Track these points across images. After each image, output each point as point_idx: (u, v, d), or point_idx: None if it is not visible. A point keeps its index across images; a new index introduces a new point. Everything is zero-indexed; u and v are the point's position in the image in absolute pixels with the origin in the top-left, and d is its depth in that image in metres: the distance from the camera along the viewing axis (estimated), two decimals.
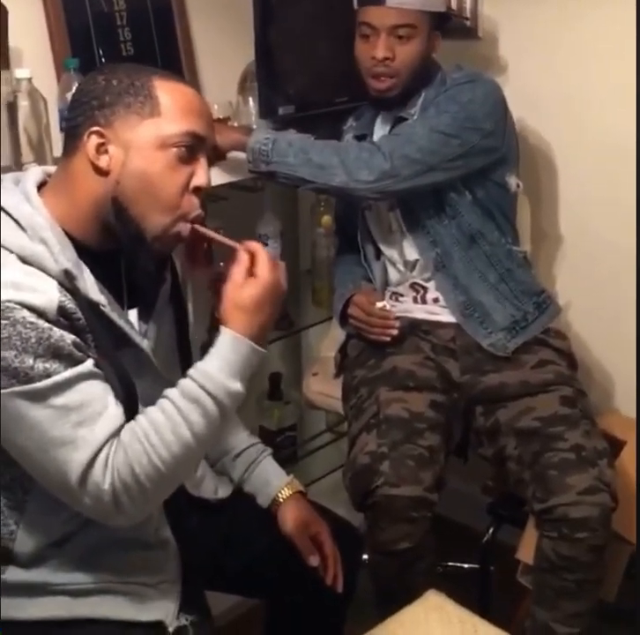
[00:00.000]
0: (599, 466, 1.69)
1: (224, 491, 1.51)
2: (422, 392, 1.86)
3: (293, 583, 1.51)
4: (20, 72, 1.61)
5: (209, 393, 1.19)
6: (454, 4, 2.18)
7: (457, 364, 1.91)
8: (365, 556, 1.76)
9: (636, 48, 1.85)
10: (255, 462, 1.57)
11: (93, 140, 1.22)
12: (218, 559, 1.48)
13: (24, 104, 1.60)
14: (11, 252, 1.17)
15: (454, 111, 1.82)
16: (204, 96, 2.12)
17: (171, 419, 1.18)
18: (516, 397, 1.83)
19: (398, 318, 1.94)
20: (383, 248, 2.02)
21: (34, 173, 1.29)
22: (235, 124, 2.05)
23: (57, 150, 1.70)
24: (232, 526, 1.50)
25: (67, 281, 1.18)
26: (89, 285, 1.21)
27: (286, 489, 1.55)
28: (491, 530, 2.02)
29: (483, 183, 1.91)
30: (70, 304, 1.17)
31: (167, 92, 1.24)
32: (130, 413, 1.21)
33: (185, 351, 1.44)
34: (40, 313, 1.13)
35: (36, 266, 1.17)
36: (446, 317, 1.96)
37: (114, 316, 1.23)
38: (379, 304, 1.95)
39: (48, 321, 1.13)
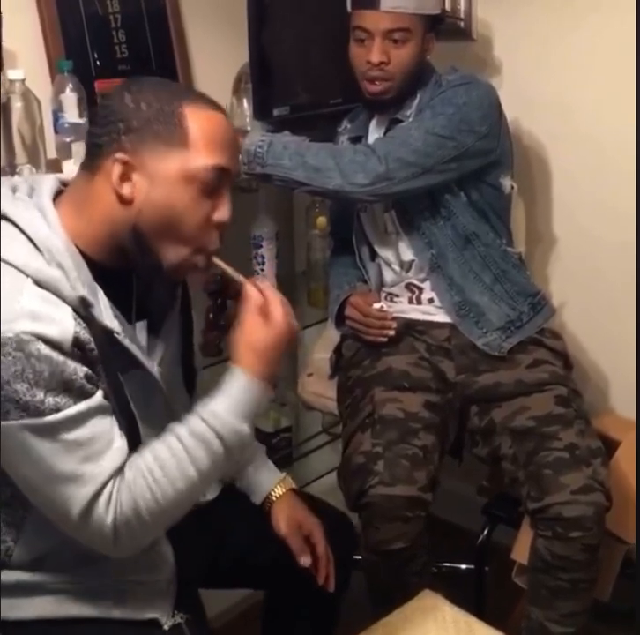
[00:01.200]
0: (594, 466, 1.69)
1: (212, 492, 1.51)
2: (417, 392, 1.86)
3: (286, 575, 1.51)
4: (14, 74, 1.61)
5: (217, 433, 1.20)
6: (448, 6, 2.19)
7: (452, 364, 1.91)
8: (359, 557, 1.76)
9: (636, 50, 1.85)
10: (247, 460, 1.55)
11: (118, 168, 1.19)
12: (210, 557, 1.48)
13: (17, 105, 1.60)
14: (27, 276, 1.14)
15: (449, 113, 1.82)
16: None
17: (176, 456, 1.19)
18: (510, 396, 1.84)
19: (394, 319, 1.94)
20: (378, 249, 2.02)
21: (49, 184, 1.25)
22: None
23: (51, 152, 1.71)
24: (222, 523, 1.49)
25: (82, 309, 1.17)
26: (104, 311, 1.19)
27: (278, 487, 1.55)
28: (486, 530, 2.03)
29: (478, 184, 1.91)
30: (84, 334, 1.16)
31: (196, 121, 1.20)
32: (133, 443, 1.21)
33: (189, 363, 1.43)
34: (55, 345, 1.12)
35: (52, 291, 1.15)
36: (441, 317, 1.96)
37: (126, 342, 1.22)
38: (376, 305, 1.95)
39: (63, 353, 1.12)
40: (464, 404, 1.90)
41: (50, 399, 1.11)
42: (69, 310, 1.15)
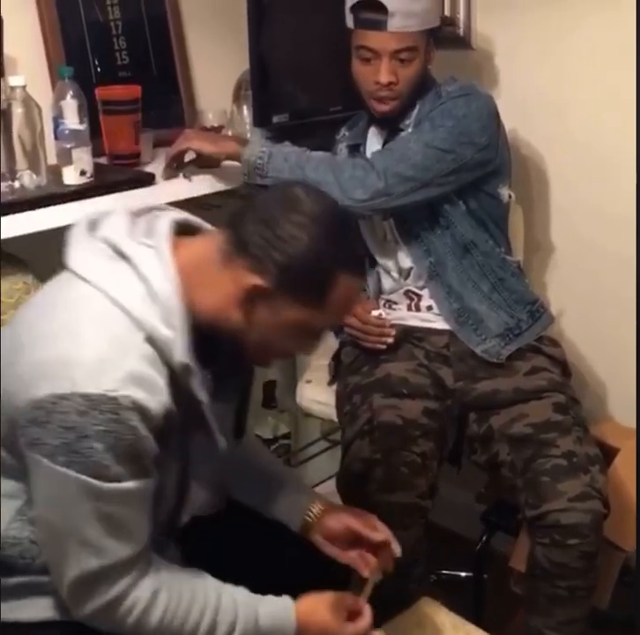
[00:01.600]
0: (591, 473, 1.69)
1: (217, 505, 1.49)
2: (416, 399, 1.86)
3: (289, 579, 1.49)
4: (15, 80, 1.61)
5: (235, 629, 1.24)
6: (448, 13, 2.19)
7: (450, 371, 1.91)
8: None
9: (636, 59, 1.86)
10: (273, 488, 1.51)
11: (250, 289, 1.18)
12: (217, 571, 1.47)
13: (18, 112, 1.60)
14: (142, 329, 1.14)
15: (449, 126, 1.82)
16: (199, 105, 2.19)
17: (191, 615, 1.22)
18: (509, 404, 1.84)
19: (392, 326, 1.94)
20: (376, 256, 2.03)
21: (167, 227, 1.22)
22: (230, 133, 2.06)
23: (51, 158, 1.71)
24: (227, 536, 1.48)
25: (183, 376, 1.17)
26: (197, 381, 1.19)
27: (313, 506, 1.47)
28: (484, 538, 2.03)
29: (476, 194, 1.92)
30: (171, 406, 1.16)
31: (341, 291, 1.20)
32: (180, 499, 1.26)
33: (243, 416, 1.44)
34: (147, 418, 1.12)
35: (160, 353, 1.14)
36: (440, 324, 1.96)
37: (208, 413, 1.22)
38: (374, 313, 1.95)
39: (150, 428, 1.13)
40: (462, 411, 1.90)
41: (116, 469, 1.12)
42: (166, 374, 1.15)
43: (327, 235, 1.19)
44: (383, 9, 1.77)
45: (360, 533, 1.43)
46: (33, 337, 1.15)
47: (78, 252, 1.22)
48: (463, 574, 2.21)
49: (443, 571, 2.25)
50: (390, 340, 1.93)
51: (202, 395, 1.20)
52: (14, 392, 1.14)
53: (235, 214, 1.23)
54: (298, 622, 1.29)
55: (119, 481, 1.12)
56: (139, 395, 1.11)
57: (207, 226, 1.34)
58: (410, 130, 1.90)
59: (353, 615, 1.36)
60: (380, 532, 1.44)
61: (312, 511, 1.46)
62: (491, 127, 1.87)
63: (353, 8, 1.83)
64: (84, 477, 1.11)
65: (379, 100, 1.87)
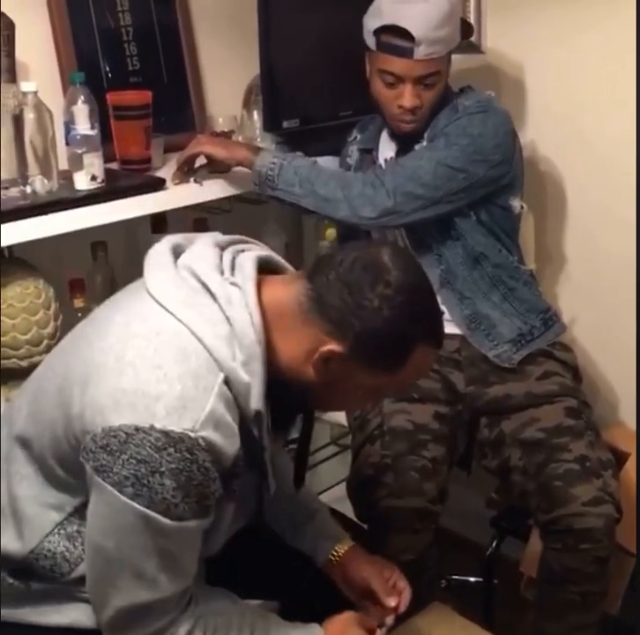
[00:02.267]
0: (604, 478, 1.69)
1: None
2: (426, 403, 1.86)
3: (301, 586, 1.50)
4: (26, 85, 1.61)
5: None
6: None
7: (462, 375, 1.91)
8: None
9: (636, 64, 1.85)
10: (309, 519, 1.51)
11: (327, 356, 1.17)
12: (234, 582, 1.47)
13: (30, 117, 1.61)
14: (222, 371, 1.13)
15: (463, 144, 1.81)
16: (209, 110, 2.20)
17: None
18: (520, 408, 1.83)
19: None
20: None
21: (253, 268, 1.20)
22: (240, 138, 2.07)
23: (63, 163, 1.72)
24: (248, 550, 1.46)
25: (253, 423, 1.16)
26: (265, 429, 1.18)
27: (342, 544, 1.49)
28: (494, 543, 2.02)
29: (488, 206, 1.91)
30: (240, 451, 1.15)
31: (417, 361, 1.19)
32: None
33: (303, 463, 1.44)
34: (218, 461, 1.12)
35: (234, 395, 1.14)
36: (451, 328, 1.95)
37: (267, 458, 1.22)
38: None
39: (220, 471, 1.13)
40: (473, 415, 1.90)
41: (182, 507, 1.11)
42: (238, 418, 1.15)
43: (411, 308, 1.16)
44: (409, 36, 1.76)
45: (377, 596, 1.44)
46: (114, 364, 1.12)
47: (162, 279, 1.19)
48: (473, 579, 2.21)
49: (454, 577, 2.25)
50: None
51: (267, 442, 1.20)
52: (84, 413, 1.13)
53: (320, 264, 1.20)
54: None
55: (181, 519, 1.12)
56: (216, 437, 1.10)
57: (288, 266, 1.32)
58: (424, 143, 1.90)
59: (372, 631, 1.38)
60: (394, 598, 1.45)
61: (337, 553, 1.47)
62: (506, 144, 1.86)
63: (376, 31, 1.81)
64: (149, 512, 1.10)
65: (403, 122, 1.87)
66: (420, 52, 1.77)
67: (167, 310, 1.15)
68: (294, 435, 2.36)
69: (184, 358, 1.11)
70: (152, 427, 1.08)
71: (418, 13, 1.75)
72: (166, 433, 1.08)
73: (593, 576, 1.68)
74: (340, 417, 2.03)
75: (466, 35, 1.96)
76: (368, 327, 1.15)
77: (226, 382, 1.13)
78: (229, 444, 1.13)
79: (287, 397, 1.22)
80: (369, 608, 1.44)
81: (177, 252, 1.23)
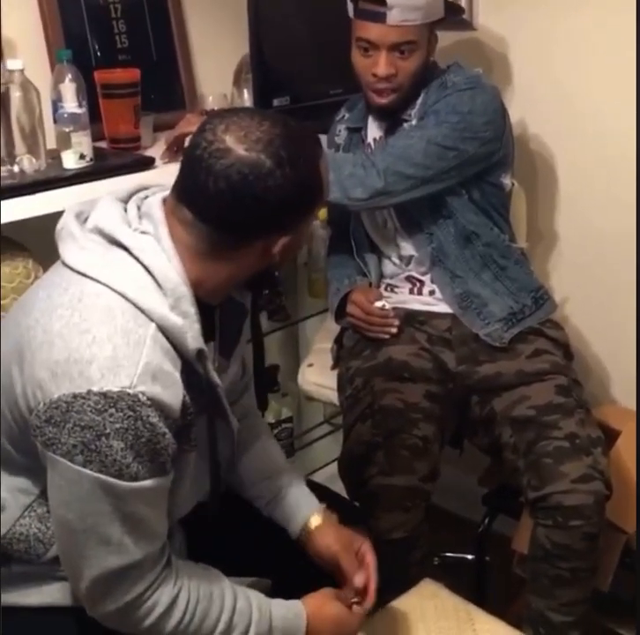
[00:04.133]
0: (594, 455, 1.69)
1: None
2: (417, 382, 1.85)
3: (292, 564, 1.48)
4: (12, 63, 1.60)
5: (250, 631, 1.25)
6: None
7: (452, 354, 1.91)
8: None
9: (636, 44, 1.84)
10: (284, 490, 1.48)
11: (278, 246, 1.17)
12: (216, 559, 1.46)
13: (16, 95, 1.59)
14: (152, 320, 1.12)
15: (454, 122, 1.80)
16: (200, 88, 2.18)
17: (208, 618, 1.22)
18: (511, 386, 1.83)
19: (396, 316, 1.93)
20: (377, 242, 2.02)
21: (160, 211, 1.19)
22: None
23: (51, 142, 1.71)
24: (228, 526, 1.46)
25: (197, 362, 1.16)
26: (210, 364, 1.18)
27: (316, 515, 1.46)
28: (486, 521, 2.03)
29: (479, 184, 1.91)
30: (187, 397, 1.15)
31: (324, 171, 1.19)
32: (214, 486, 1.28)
33: (263, 385, 1.45)
34: (164, 413, 1.11)
35: (173, 342, 1.13)
36: (442, 307, 1.96)
37: (222, 396, 1.22)
38: (378, 304, 1.94)
39: (167, 423, 1.12)
40: (464, 394, 1.90)
41: (134, 466, 1.10)
42: (179, 365, 1.14)
43: (298, 147, 1.15)
44: (382, 1, 1.75)
45: (345, 574, 1.42)
46: (43, 337, 1.12)
47: (73, 247, 1.19)
48: (466, 556, 2.22)
49: (447, 554, 2.25)
50: (394, 331, 1.92)
51: (216, 378, 1.19)
52: (26, 392, 1.13)
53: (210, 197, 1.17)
54: (309, 619, 1.30)
55: (137, 479, 1.11)
56: (156, 389, 1.10)
57: None
58: (414, 122, 1.88)
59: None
60: (362, 576, 1.42)
61: (309, 526, 1.44)
62: (496, 121, 1.85)
63: None
64: (103, 476, 1.10)
65: (377, 92, 1.85)
66: (394, 17, 1.76)
67: (84, 275, 1.15)
68: (285, 415, 2.40)
69: (110, 317, 1.11)
70: (89, 391, 1.07)
71: None
72: (104, 394, 1.07)
73: (583, 552, 1.68)
74: (332, 396, 2.03)
75: (454, 14, 1.95)
76: (286, 195, 1.13)
77: (161, 330, 1.12)
78: (172, 393, 1.12)
79: (228, 317, 1.25)
80: (342, 586, 1.42)
81: (82, 219, 1.23)
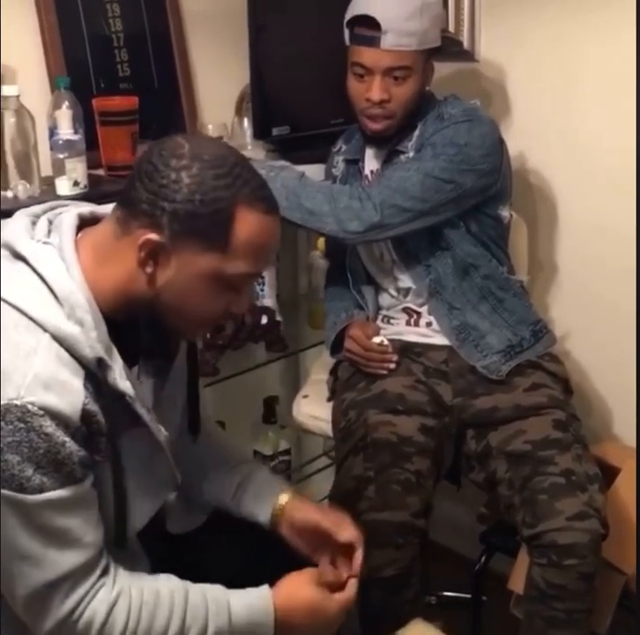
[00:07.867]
0: (589, 492, 1.65)
1: (196, 521, 1.46)
2: (412, 415, 1.82)
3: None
4: (8, 90, 1.61)
5: (212, 619, 1.20)
6: (451, 27, 2.18)
7: (449, 387, 1.88)
8: None
9: (636, 75, 1.83)
10: (246, 478, 1.45)
11: (146, 247, 1.12)
12: None
13: (10, 121, 1.60)
14: (46, 331, 1.09)
15: (451, 154, 1.79)
16: (202, 118, 2.19)
17: (157, 618, 1.18)
18: (507, 420, 1.80)
19: (394, 351, 1.90)
20: (374, 275, 2.01)
21: (70, 223, 1.18)
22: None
23: (45, 169, 1.71)
24: (206, 555, 1.42)
25: (98, 371, 1.12)
26: (118, 373, 1.14)
27: (283, 495, 1.41)
28: (483, 559, 1.98)
29: (476, 216, 1.89)
30: (92, 405, 1.11)
31: (245, 226, 1.12)
32: (119, 516, 1.20)
33: (195, 409, 1.40)
34: (60, 422, 1.08)
35: (69, 351, 1.10)
36: (439, 339, 1.93)
37: (137, 405, 1.18)
38: (376, 340, 1.91)
39: (66, 432, 1.08)
40: (460, 428, 1.86)
41: (37, 478, 1.07)
42: (82, 374, 1.11)
43: (213, 172, 1.11)
44: (377, 26, 1.75)
45: (327, 532, 1.37)
46: None
47: None
48: (464, 595, 2.17)
49: (443, 593, 2.21)
50: (392, 367, 1.89)
51: (125, 386, 1.15)
52: None
53: (126, 182, 1.16)
54: (280, 606, 1.24)
55: (43, 490, 1.08)
56: (48, 398, 1.06)
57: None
58: (410, 154, 1.88)
59: (334, 588, 1.31)
60: (347, 532, 1.37)
61: (280, 503, 1.40)
62: (493, 154, 1.84)
63: (348, 23, 1.82)
64: (5, 491, 1.06)
65: (371, 117, 1.85)
66: (388, 41, 1.76)
67: None
68: (283, 447, 2.37)
69: (5, 333, 1.09)
70: None
71: (386, 2, 1.77)
72: None
73: (579, 593, 1.63)
74: (328, 429, 2.00)
75: (450, 45, 1.95)
76: (174, 201, 1.10)
77: (56, 339, 1.10)
78: (68, 402, 1.08)
79: (147, 335, 1.22)
80: (325, 565, 1.36)
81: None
